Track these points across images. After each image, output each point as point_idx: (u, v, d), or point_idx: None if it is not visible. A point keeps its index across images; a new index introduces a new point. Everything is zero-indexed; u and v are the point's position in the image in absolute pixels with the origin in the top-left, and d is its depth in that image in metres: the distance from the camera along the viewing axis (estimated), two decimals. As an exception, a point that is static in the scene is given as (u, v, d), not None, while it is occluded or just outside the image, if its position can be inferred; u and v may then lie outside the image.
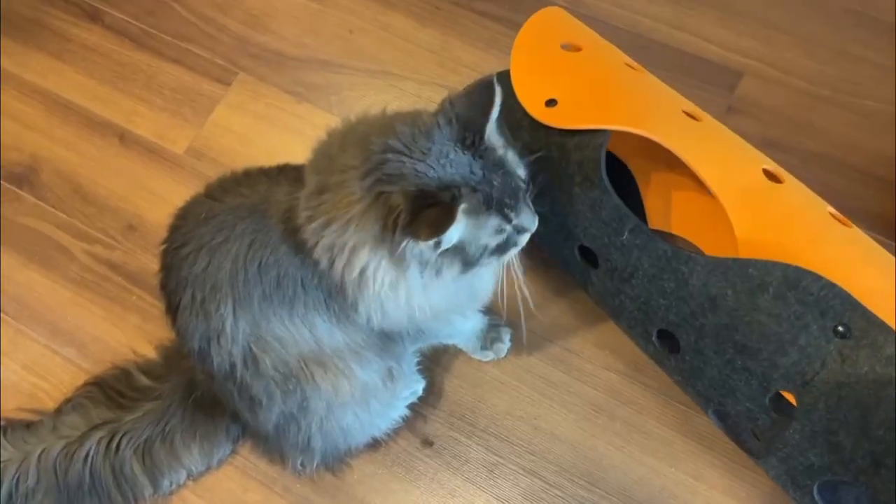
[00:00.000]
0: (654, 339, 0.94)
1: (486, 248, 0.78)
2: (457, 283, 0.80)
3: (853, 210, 0.99)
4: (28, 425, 1.08)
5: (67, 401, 1.10)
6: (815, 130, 1.09)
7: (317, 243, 0.78)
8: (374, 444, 1.08)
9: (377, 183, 0.73)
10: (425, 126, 0.74)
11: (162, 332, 1.16)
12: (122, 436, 1.05)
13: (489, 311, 1.07)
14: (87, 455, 1.04)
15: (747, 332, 0.84)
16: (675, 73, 1.26)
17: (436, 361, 1.12)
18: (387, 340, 0.93)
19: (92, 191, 1.30)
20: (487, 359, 1.12)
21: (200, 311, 0.86)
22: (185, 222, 0.90)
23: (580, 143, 0.94)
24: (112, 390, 1.10)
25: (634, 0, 1.33)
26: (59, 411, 1.09)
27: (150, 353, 1.14)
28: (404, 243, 0.72)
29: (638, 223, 0.91)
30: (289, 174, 0.91)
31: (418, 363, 1.08)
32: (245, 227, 0.85)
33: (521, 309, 0.87)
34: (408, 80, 1.32)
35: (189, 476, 1.09)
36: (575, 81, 1.00)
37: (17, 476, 1.03)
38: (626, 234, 0.91)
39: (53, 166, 1.32)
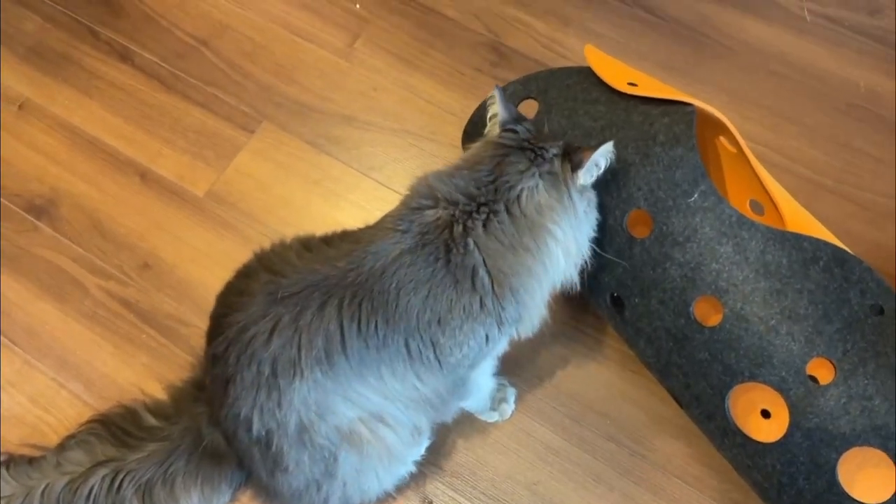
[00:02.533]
0: (690, 309, 0.97)
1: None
2: (594, 217, 0.99)
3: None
4: (31, 460, 1.08)
5: (71, 437, 1.10)
6: (816, 219, 1.13)
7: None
8: (378, 500, 1.09)
9: (545, 154, 0.93)
10: (531, 125, 0.97)
11: (170, 372, 1.18)
12: (125, 475, 1.05)
13: (498, 370, 1.10)
14: (90, 492, 1.04)
15: (797, 299, 0.92)
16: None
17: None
18: (452, 390, 0.97)
19: (110, 227, 1.32)
20: (493, 420, 1.14)
21: (265, 384, 0.88)
22: (253, 299, 0.90)
23: (667, 110, 1.02)
24: (118, 428, 1.10)
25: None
26: (62, 447, 1.09)
27: (158, 392, 1.15)
28: (576, 183, 0.93)
29: (711, 185, 0.96)
30: (352, 238, 0.94)
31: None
32: (341, 301, 0.87)
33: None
34: (427, 141, 1.36)
35: (187, 520, 1.09)
36: (648, 79, 1.12)
37: (20, 511, 1.03)
38: (696, 195, 0.96)
39: (74, 200, 1.34)
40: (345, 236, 0.96)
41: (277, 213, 1.32)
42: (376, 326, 0.87)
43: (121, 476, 1.05)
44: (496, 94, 0.97)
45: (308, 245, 0.96)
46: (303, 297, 0.88)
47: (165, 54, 1.46)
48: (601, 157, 0.94)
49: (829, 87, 1.37)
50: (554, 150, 0.93)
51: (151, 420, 1.11)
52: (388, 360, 0.89)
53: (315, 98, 1.41)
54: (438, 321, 0.89)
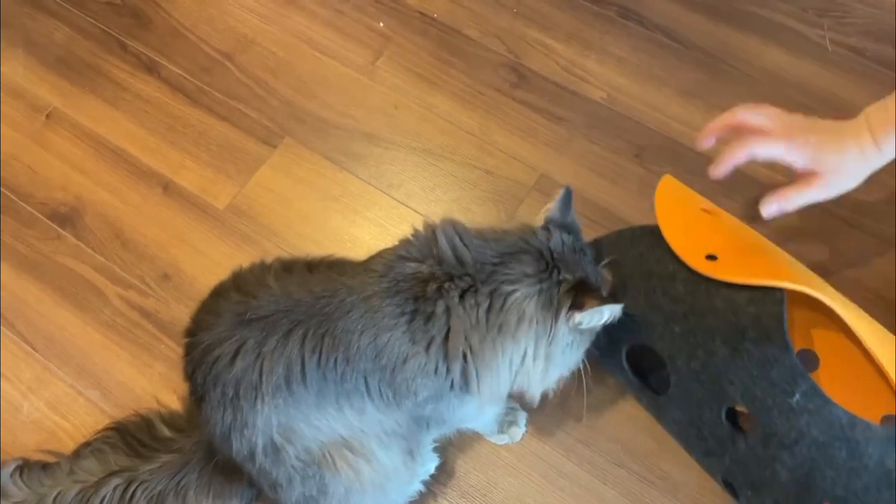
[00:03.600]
0: None
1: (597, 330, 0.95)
2: (575, 357, 0.95)
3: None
4: (45, 466, 1.09)
5: (86, 444, 1.11)
6: (831, 249, 1.13)
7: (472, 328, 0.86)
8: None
9: (556, 274, 0.88)
10: (570, 241, 0.91)
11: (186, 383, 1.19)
12: (138, 485, 1.06)
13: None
14: (101, 501, 1.05)
15: None
16: (705, 179, 1.30)
17: (450, 441, 1.14)
18: (415, 426, 0.95)
19: (132, 237, 1.34)
20: (503, 442, 1.15)
21: (230, 405, 0.88)
22: (220, 319, 0.89)
23: (753, 297, 0.92)
24: (132, 438, 1.11)
25: (668, 104, 1.39)
26: (76, 454, 1.11)
27: (174, 402, 1.17)
28: (569, 320, 0.87)
29: (813, 385, 0.87)
30: (339, 268, 0.94)
31: (434, 441, 1.10)
32: (306, 331, 0.86)
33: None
34: (446, 160, 1.38)
35: (198, 533, 1.10)
36: (728, 240, 1.01)
37: (30, 519, 1.04)
38: (798, 395, 0.87)
39: (97, 210, 1.36)
40: (332, 265, 0.95)
41: (296, 227, 1.33)
42: (335, 362, 0.86)
43: (133, 486, 1.05)
44: (562, 192, 0.93)
45: (289, 267, 0.95)
46: (270, 322, 0.87)
47: (191, 68, 1.48)
48: (606, 312, 0.89)
49: (849, 117, 1.36)
50: (567, 277, 0.88)
51: (165, 431, 1.12)
52: (346, 395, 0.88)
53: (336, 114, 1.43)
54: (393, 369, 0.87)
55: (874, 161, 0.88)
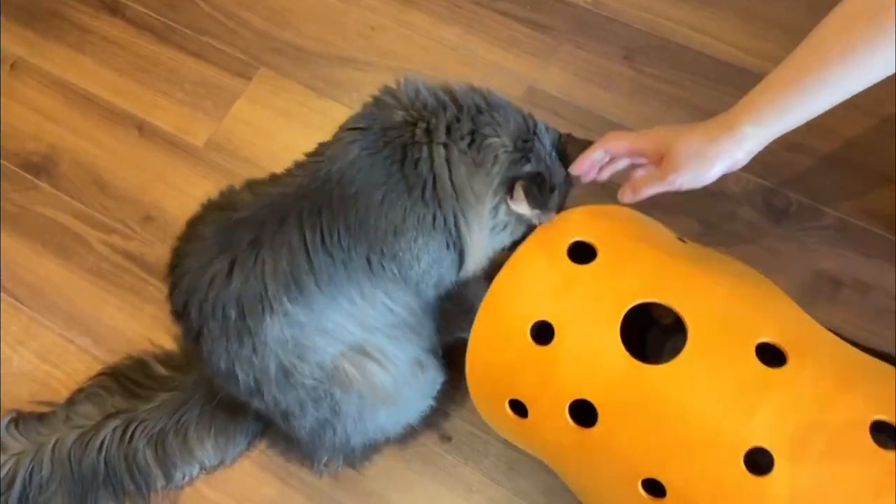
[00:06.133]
0: None
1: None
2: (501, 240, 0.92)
3: (872, 211, 1.04)
4: (40, 416, 1.06)
5: (80, 391, 1.09)
6: (836, 134, 1.09)
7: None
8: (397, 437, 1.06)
9: (522, 161, 0.86)
10: (553, 132, 0.91)
11: (179, 323, 1.16)
12: (137, 425, 1.03)
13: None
14: (101, 444, 1.02)
15: None
16: (696, 75, 1.26)
17: (458, 357, 1.10)
18: (422, 315, 0.92)
19: (110, 182, 1.29)
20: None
21: (234, 330, 0.82)
22: (204, 240, 0.84)
23: None
24: (127, 380, 1.08)
25: (656, 3, 1.34)
26: (71, 401, 1.08)
27: (168, 343, 1.13)
28: (526, 209, 0.86)
29: None
30: (310, 154, 0.91)
31: (443, 356, 1.06)
32: (300, 211, 0.81)
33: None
34: (429, 78, 1.32)
35: (202, 469, 1.07)
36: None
37: (30, 468, 1.01)
38: None
39: (72, 157, 1.32)
40: (306, 156, 0.91)
41: (280, 159, 1.23)
42: (339, 236, 0.81)
43: (132, 427, 1.03)
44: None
45: (260, 180, 0.90)
46: (259, 218, 0.82)
47: (157, 6, 1.43)
48: (528, 213, 0.87)
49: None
50: (504, 150, 0.86)
51: (162, 370, 1.09)
52: (355, 280, 0.83)
53: (312, 41, 1.37)
54: (395, 231, 0.83)
55: (725, 144, 0.82)
